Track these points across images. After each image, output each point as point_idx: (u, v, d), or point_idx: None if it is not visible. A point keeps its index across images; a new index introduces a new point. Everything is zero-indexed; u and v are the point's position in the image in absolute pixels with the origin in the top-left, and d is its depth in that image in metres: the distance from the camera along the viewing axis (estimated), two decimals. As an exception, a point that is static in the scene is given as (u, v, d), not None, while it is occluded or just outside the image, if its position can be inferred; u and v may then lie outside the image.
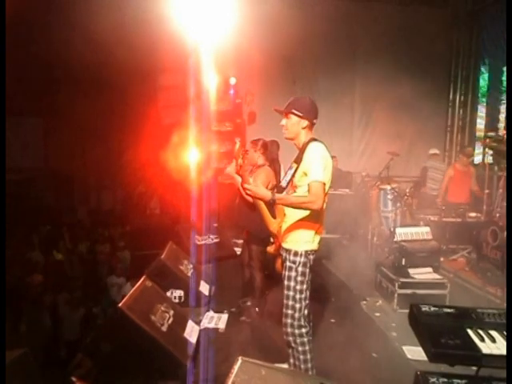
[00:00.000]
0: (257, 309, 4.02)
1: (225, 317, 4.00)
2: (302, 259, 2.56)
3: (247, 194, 2.43)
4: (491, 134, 6.25)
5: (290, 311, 2.58)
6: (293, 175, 2.58)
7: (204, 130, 6.23)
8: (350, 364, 2.80)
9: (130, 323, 2.84)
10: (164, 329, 3.07)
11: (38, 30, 6.89)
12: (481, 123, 7.91)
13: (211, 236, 5.60)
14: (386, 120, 7.90)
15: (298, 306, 2.57)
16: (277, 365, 2.82)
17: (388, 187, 5.98)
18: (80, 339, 3.98)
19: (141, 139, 7.09)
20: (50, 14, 6.61)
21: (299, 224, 2.58)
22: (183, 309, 3.75)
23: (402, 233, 4.56)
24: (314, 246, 2.61)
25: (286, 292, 2.59)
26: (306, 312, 2.61)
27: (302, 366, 2.61)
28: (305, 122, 2.58)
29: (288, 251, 2.60)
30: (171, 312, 3.28)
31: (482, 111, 7.93)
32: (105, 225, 7.92)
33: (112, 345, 3.03)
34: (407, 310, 1.57)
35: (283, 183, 2.64)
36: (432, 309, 1.47)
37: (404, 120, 8.00)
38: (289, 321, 2.59)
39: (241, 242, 4.69)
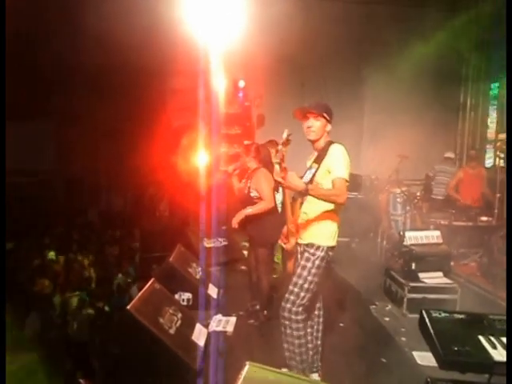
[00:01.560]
0: (265, 312, 4.01)
1: (233, 320, 3.99)
2: (322, 254, 2.64)
3: (281, 183, 2.48)
4: (502, 136, 6.19)
5: (292, 297, 2.65)
6: (314, 174, 2.65)
7: (213, 133, 6.25)
8: (358, 369, 2.78)
9: (139, 325, 2.84)
10: (172, 331, 3.07)
11: (52, 34, 6.97)
12: (492, 126, 7.82)
13: (220, 239, 5.60)
14: (395, 123, 7.85)
15: (302, 294, 2.64)
16: (284, 369, 2.83)
17: (398, 190, 5.94)
18: (89, 341, 3.99)
19: (151, 142, 7.13)
20: (62, 17, 6.69)
21: (320, 220, 2.66)
22: (191, 312, 3.75)
23: (412, 236, 4.51)
24: (334, 242, 2.69)
25: (294, 279, 2.66)
26: (307, 303, 2.67)
27: (297, 350, 2.70)
28: (329, 127, 2.71)
29: (309, 245, 2.67)
30: (179, 315, 3.27)
31: (493, 114, 7.85)
32: (115, 226, 7.97)
33: (120, 347, 3.04)
34: (417, 315, 1.55)
35: None
36: (443, 314, 1.45)
37: (414, 123, 7.94)
38: (288, 305, 2.65)
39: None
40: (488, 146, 7.72)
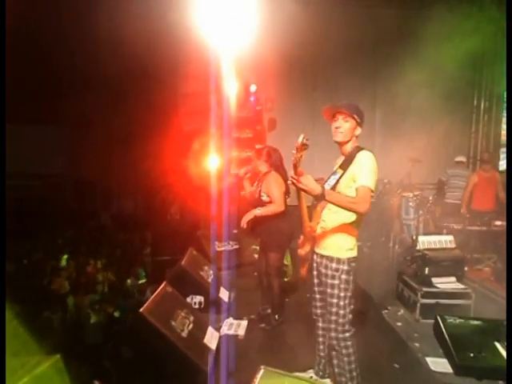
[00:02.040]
0: (276, 316, 4.00)
1: (244, 324, 3.99)
2: (346, 267, 2.54)
3: (296, 185, 2.35)
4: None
5: (333, 317, 2.59)
6: (337, 181, 2.53)
7: (224, 137, 6.27)
8: (371, 374, 2.76)
9: (151, 328, 2.87)
10: (184, 334, 3.08)
11: (63, 40, 7.08)
12: (505, 129, 7.73)
13: (231, 242, 5.62)
14: (407, 126, 7.80)
15: (341, 312, 2.57)
16: (297, 373, 2.83)
17: (410, 194, 5.89)
18: (102, 343, 4.03)
19: (163, 146, 7.18)
20: (76, 23, 6.79)
21: (341, 230, 2.55)
22: (203, 315, 3.77)
23: (425, 241, 4.47)
24: (355, 253, 2.60)
25: (329, 299, 2.59)
26: (350, 316, 2.61)
27: (347, 367, 2.63)
28: (359, 130, 2.58)
29: (329, 258, 2.58)
30: (191, 318, 3.29)
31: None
32: (126, 230, 8.03)
33: (132, 350, 3.06)
34: (430, 320, 1.54)
35: (326, 187, 2.51)
36: (458, 320, 1.44)
37: (426, 126, 7.88)
38: (332, 326, 2.60)
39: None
40: (502, 150, 7.63)
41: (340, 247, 2.56)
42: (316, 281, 2.77)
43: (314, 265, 2.74)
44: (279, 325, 3.98)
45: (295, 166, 2.35)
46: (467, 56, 7.70)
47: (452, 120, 7.85)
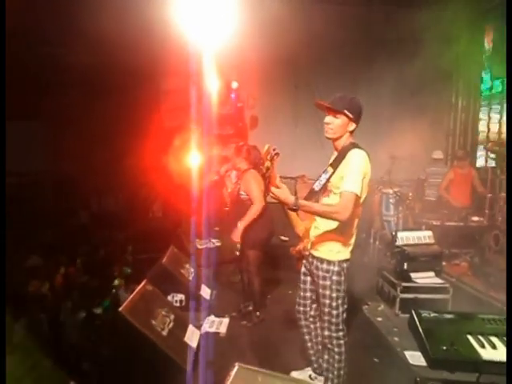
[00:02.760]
0: (258, 313, 4.02)
1: (226, 321, 3.99)
2: (336, 268, 2.52)
3: (272, 196, 2.30)
4: (493, 137, 6.25)
5: (327, 317, 2.60)
6: (328, 179, 2.46)
7: (206, 134, 6.24)
8: (351, 369, 2.78)
9: (131, 327, 2.84)
10: (164, 333, 3.06)
11: (40, 33, 6.92)
12: (483, 127, 7.89)
13: (212, 240, 5.60)
14: (388, 124, 7.89)
15: (334, 312, 2.57)
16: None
17: (390, 191, 5.97)
18: (81, 343, 3.97)
19: (144, 142, 7.10)
20: (51, 17, 6.64)
21: (333, 233, 2.49)
22: (184, 313, 3.75)
23: (404, 237, 4.53)
24: (347, 255, 2.56)
25: (321, 299, 2.59)
26: (344, 316, 2.62)
27: (336, 365, 2.66)
28: (352, 126, 2.44)
29: (320, 260, 2.56)
30: (172, 316, 3.27)
31: (484, 115, 7.91)
32: (107, 228, 7.92)
33: (112, 349, 3.02)
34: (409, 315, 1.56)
35: (316, 187, 2.51)
36: (432, 314, 1.46)
37: (406, 124, 7.98)
38: (326, 325, 2.62)
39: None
40: (479, 147, 7.79)
41: (331, 249, 2.53)
42: (302, 278, 2.78)
43: (305, 262, 2.75)
44: (260, 322, 4.00)
45: (263, 177, 2.28)
46: (445, 55, 7.83)
47: (431, 118, 7.98)
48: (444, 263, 4.84)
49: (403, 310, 4.16)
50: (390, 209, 5.97)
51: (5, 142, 3.01)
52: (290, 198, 2.25)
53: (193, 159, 6.14)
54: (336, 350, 2.64)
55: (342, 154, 2.43)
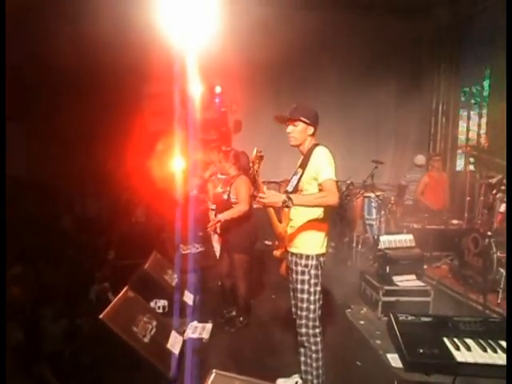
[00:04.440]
0: (241, 318, 4.00)
1: (209, 327, 3.97)
2: (314, 262, 2.63)
3: (259, 202, 2.42)
4: (472, 142, 6.37)
5: (304, 313, 2.65)
6: (299, 180, 2.62)
7: (189, 139, 6.22)
8: (333, 373, 2.80)
9: (112, 335, 2.80)
10: (146, 340, 3.03)
11: (25, 33, 6.82)
12: (462, 132, 8.06)
13: (196, 245, 5.58)
14: (370, 129, 8.00)
15: (312, 307, 2.64)
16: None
17: (372, 195, 6.03)
18: (61, 351, 3.90)
19: (126, 146, 7.04)
20: (30, 19, 6.55)
21: (309, 228, 2.63)
22: (167, 319, 3.72)
23: (386, 240, 4.59)
24: (324, 249, 2.68)
25: (299, 295, 2.66)
26: (319, 312, 2.68)
27: (314, 364, 2.69)
28: (311, 129, 2.65)
29: (299, 256, 2.66)
30: (154, 323, 3.24)
31: (464, 120, 8.08)
32: (89, 233, 7.81)
33: (93, 357, 2.98)
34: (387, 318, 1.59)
35: (289, 188, 2.67)
36: (409, 318, 1.49)
37: (388, 129, 8.11)
38: (303, 321, 2.66)
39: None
40: (459, 151, 7.95)
41: (308, 244, 2.64)
42: (291, 278, 2.81)
43: (290, 265, 2.78)
44: (244, 327, 3.99)
45: (254, 180, 2.43)
46: (427, 61, 8.00)
47: (412, 123, 8.12)
48: (425, 266, 4.91)
49: (386, 313, 4.18)
50: (373, 213, 6.04)
51: (5, 143, 2.96)
52: (280, 198, 2.36)
53: (176, 164, 6.12)
54: (313, 348, 2.67)
55: (307, 155, 2.63)
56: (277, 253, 2.88)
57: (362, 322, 4.24)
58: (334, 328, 3.99)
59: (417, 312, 3.80)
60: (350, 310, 4.53)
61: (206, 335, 3.81)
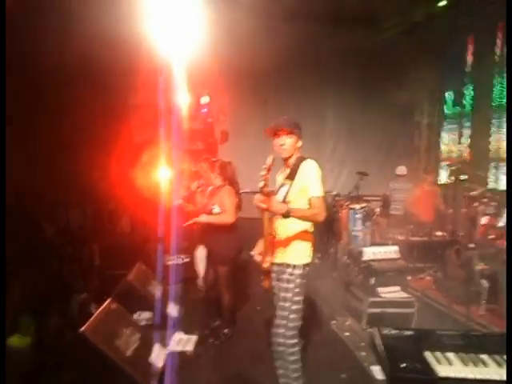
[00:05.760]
0: (226, 330, 3.97)
1: (193, 339, 3.92)
2: (300, 271, 2.65)
3: (262, 208, 2.48)
4: (454, 155, 6.47)
5: (283, 321, 2.63)
6: (287, 192, 2.64)
7: (175, 149, 6.20)
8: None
9: (93, 349, 2.74)
10: (129, 353, 2.98)
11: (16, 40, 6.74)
12: (445, 145, 8.22)
13: (181, 256, 5.52)
14: (356, 141, 8.09)
15: (292, 316, 2.63)
16: None
17: (357, 207, 6.08)
18: (42, 365, 3.81)
19: (112, 156, 6.99)
20: (9, 27, 6.50)
21: (295, 239, 2.67)
22: (150, 331, 3.66)
23: (371, 252, 4.60)
24: (310, 259, 2.71)
25: (282, 303, 2.65)
26: (299, 324, 2.67)
27: (293, 375, 2.65)
28: (300, 142, 2.72)
29: (285, 265, 2.67)
30: (137, 335, 3.19)
31: (445, 134, 8.25)
32: (74, 243, 7.69)
33: (74, 371, 2.91)
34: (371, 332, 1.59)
35: (277, 199, 2.67)
36: (392, 332, 1.49)
37: (373, 141, 8.22)
38: (281, 331, 2.63)
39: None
40: (442, 164, 8.09)
41: (296, 254, 2.66)
42: (275, 290, 2.80)
43: (274, 275, 2.77)
44: (229, 339, 3.95)
45: (265, 186, 2.45)
46: (410, 75, 8.13)
47: (397, 135, 8.25)
48: (409, 277, 4.94)
49: (370, 324, 4.19)
50: (358, 224, 6.07)
51: (4, 144, 2.97)
52: (284, 207, 2.50)
53: (162, 174, 6.08)
54: (291, 358, 2.64)
55: (295, 168, 2.66)
56: (265, 264, 2.83)
57: (346, 334, 4.24)
58: (319, 340, 3.98)
59: (401, 324, 3.85)
60: (335, 322, 4.53)
61: (190, 348, 3.76)
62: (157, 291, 4.39)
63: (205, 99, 7.08)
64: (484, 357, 1.40)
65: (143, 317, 4.00)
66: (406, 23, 7.46)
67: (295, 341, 2.64)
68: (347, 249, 6.17)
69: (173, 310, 4.34)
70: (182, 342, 3.87)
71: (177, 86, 6.00)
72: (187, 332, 4.05)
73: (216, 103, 7.47)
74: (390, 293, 4.34)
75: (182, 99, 6.32)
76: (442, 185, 7.39)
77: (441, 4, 6.83)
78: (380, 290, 4.35)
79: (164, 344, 3.60)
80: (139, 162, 6.53)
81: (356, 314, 4.48)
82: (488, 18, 6.56)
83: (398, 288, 4.40)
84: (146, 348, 3.24)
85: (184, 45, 5.58)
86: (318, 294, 5.04)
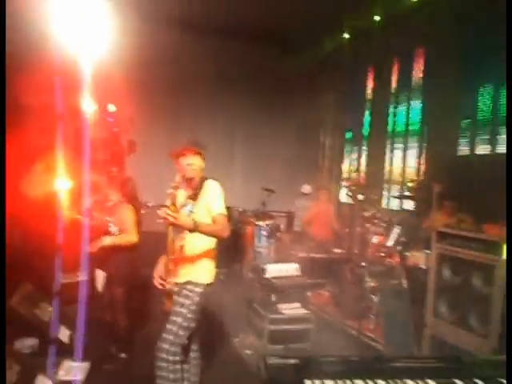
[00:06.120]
0: (123, 355, 3.78)
1: (85, 366, 3.65)
2: (201, 290, 2.64)
3: (168, 221, 2.44)
4: (352, 175, 6.94)
5: (171, 337, 2.56)
6: (191, 211, 2.66)
7: (77, 158, 5.82)
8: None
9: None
10: (5, 390, 2.67)
11: None
12: (346, 166, 8.81)
13: (78, 273, 5.15)
14: (263, 157, 8.32)
15: (181, 333, 2.58)
16: None
17: (262, 223, 6.23)
18: None
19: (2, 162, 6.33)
20: None
21: (202, 257, 2.70)
22: (36, 360, 3.34)
23: (273, 269, 4.72)
24: (212, 279, 2.73)
25: (173, 318, 2.59)
26: (185, 342, 2.63)
27: None
28: (204, 164, 2.80)
29: (188, 282, 2.64)
30: (17, 368, 2.89)
31: (348, 154, 8.85)
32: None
33: None
34: (278, 346, 1.59)
35: None
36: (277, 361, 1.51)
37: (280, 159, 8.52)
38: (166, 346, 2.56)
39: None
40: (342, 183, 8.66)
41: (198, 273, 2.68)
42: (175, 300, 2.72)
43: (175, 297, 2.69)
44: (126, 364, 3.75)
45: (173, 204, 2.47)
46: (314, 96, 8.59)
47: (302, 154, 8.66)
48: (309, 293, 5.15)
49: (272, 341, 4.25)
50: (262, 240, 6.21)
51: (4, 146, 2.94)
52: (190, 221, 2.50)
53: (60, 185, 5.65)
54: (171, 376, 2.59)
55: (199, 187, 2.73)
56: (168, 286, 2.69)
57: (248, 352, 4.27)
58: (221, 357, 3.96)
59: (300, 339, 3.93)
60: (237, 339, 4.54)
61: (80, 376, 3.50)
62: (46, 314, 4.04)
63: (112, 107, 6.77)
64: (359, 382, 1.49)
65: (27, 344, 3.63)
66: (317, 50, 7.92)
67: (178, 358, 2.61)
68: (252, 265, 6.29)
69: (64, 334, 4.02)
70: (73, 369, 3.59)
71: (81, 93, 5.66)
72: (79, 359, 3.76)
73: (124, 112, 7.19)
74: (291, 309, 4.48)
75: (87, 106, 5.97)
76: (343, 204, 7.88)
77: (345, 36, 7.36)
78: (280, 306, 4.46)
79: (51, 373, 3.31)
80: (34, 171, 6.00)
81: (257, 331, 4.53)
82: (386, 49, 7.14)
83: (298, 304, 4.55)
84: (28, 380, 2.95)
85: (92, 51, 5.30)
86: (222, 310, 5.03)
